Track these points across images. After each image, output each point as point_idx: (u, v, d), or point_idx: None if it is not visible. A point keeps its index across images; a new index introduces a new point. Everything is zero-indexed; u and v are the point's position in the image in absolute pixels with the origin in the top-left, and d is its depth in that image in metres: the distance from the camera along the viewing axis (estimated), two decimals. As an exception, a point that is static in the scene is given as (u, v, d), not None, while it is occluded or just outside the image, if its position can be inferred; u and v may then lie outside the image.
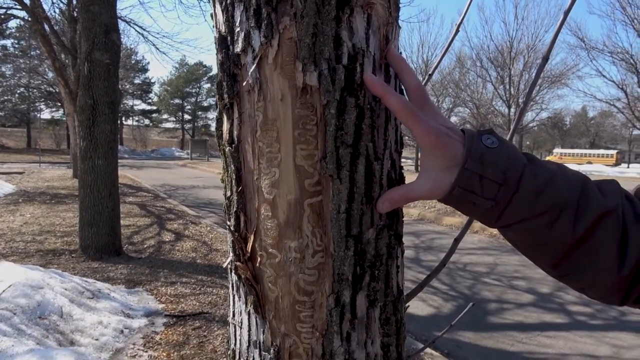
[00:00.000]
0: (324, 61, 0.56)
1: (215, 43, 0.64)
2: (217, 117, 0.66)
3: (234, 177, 0.62)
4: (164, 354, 3.21)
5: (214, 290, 4.58)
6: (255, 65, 0.58)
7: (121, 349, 3.25)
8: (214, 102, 51.84)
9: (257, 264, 0.61)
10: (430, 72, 0.84)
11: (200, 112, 54.19)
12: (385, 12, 0.62)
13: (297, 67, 0.56)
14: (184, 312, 3.99)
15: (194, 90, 52.44)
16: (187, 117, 53.90)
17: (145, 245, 6.57)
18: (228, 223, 0.65)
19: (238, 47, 0.59)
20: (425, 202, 11.68)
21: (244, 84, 0.60)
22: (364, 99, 0.58)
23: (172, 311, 4.00)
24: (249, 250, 0.61)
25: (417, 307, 4.50)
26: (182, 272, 5.25)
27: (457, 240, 0.72)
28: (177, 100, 52.13)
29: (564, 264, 0.51)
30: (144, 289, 4.59)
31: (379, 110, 0.60)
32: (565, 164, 0.55)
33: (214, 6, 0.64)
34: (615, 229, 0.48)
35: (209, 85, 52.80)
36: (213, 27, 0.67)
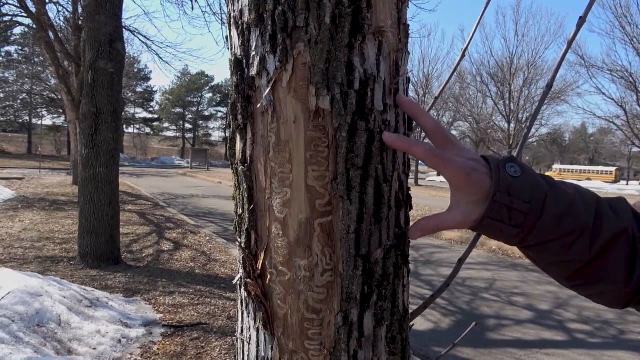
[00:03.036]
0: (336, 86, 0.58)
1: (230, 65, 0.66)
2: (230, 136, 0.68)
3: (246, 195, 0.64)
4: (161, 365, 3.20)
5: (212, 301, 4.57)
6: (269, 88, 0.60)
7: (118, 359, 3.23)
8: (215, 112, 51.75)
9: (267, 281, 0.62)
10: (436, 96, 0.87)
11: (201, 122, 54.38)
12: (396, 39, 0.64)
13: (310, 92, 0.58)
14: (182, 322, 3.98)
15: (195, 100, 52.66)
16: (188, 126, 54.06)
17: (144, 254, 6.55)
18: (239, 240, 0.66)
19: (253, 71, 0.62)
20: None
21: (258, 106, 0.62)
22: (374, 122, 0.60)
23: (170, 321, 3.99)
24: (259, 268, 0.63)
25: (415, 321, 4.48)
26: (181, 282, 5.23)
27: (461, 261, 0.73)
28: (178, 109, 52.33)
29: (577, 277, 0.56)
30: (142, 298, 4.57)
31: (389, 133, 0.62)
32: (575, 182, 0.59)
33: (230, 30, 0.67)
34: (625, 246, 0.52)
35: (210, 94, 53.07)
36: (228, 49, 0.69)
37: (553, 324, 4.86)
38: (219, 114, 54.06)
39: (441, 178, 37.76)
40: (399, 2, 0.65)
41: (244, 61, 0.63)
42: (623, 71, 17.58)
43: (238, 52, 0.64)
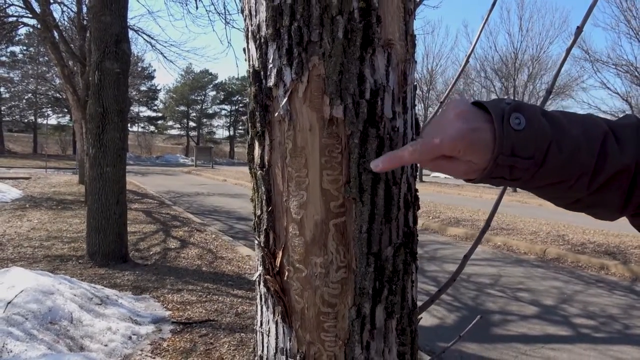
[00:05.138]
0: (349, 96, 0.63)
1: (248, 77, 0.71)
2: (248, 143, 0.72)
3: (264, 198, 0.69)
4: (172, 361, 3.26)
5: (220, 298, 4.63)
6: (286, 98, 0.64)
7: (129, 355, 3.30)
8: (219, 110, 51.71)
9: (285, 278, 0.67)
10: (442, 100, 0.91)
11: (205, 120, 54.45)
12: (403, 50, 0.69)
13: (324, 101, 0.63)
14: (190, 319, 4.04)
15: (199, 98, 52.74)
16: (192, 124, 54.16)
17: (151, 252, 6.62)
18: (258, 239, 0.71)
19: (270, 82, 0.66)
20: (430, 213, 11.71)
21: (276, 114, 0.66)
22: (384, 129, 0.65)
23: (179, 318, 4.05)
24: (278, 265, 0.68)
25: (421, 316, 4.52)
26: (188, 279, 5.30)
27: (466, 257, 0.77)
28: (182, 108, 52.42)
29: (574, 204, 0.57)
30: (151, 295, 4.64)
31: (397, 139, 0.66)
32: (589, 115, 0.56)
33: (248, 43, 0.71)
34: (625, 181, 0.53)
35: (214, 93, 53.13)
36: (245, 60, 0.74)
37: (558, 319, 4.89)
38: (223, 112, 54.19)
39: (445, 175, 37.44)
40: (406, 15, 0.69)
41: (262, 73, 0.67)
42: (628, 65, 17.49)
43: (256, 64, 0.68)
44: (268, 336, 0.71)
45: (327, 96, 0.62)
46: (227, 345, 3.54)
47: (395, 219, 0.66)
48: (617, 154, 0.52)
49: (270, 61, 0.66)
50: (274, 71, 0.65)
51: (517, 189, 22.47)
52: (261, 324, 0.73)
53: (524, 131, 0.50)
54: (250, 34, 0.70)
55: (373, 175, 0.64)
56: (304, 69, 0.63)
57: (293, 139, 0.65)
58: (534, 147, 0.51)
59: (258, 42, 0.67)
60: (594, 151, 0.52)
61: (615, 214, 0.56)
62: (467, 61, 0.88)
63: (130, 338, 3.54)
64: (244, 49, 0.73)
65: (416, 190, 0.72)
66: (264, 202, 0.69)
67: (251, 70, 0.69)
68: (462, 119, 0.52)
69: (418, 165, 0.76)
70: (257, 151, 0.70)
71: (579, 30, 0.71)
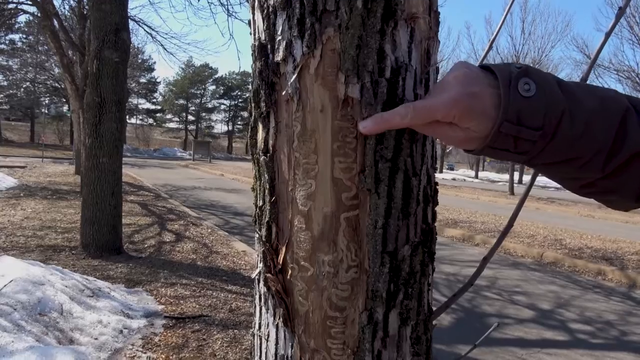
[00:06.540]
0: (367, 74, 0.55)
1: (252, 51, 0.63)
2: (251, 125, 0.65)
3: (267, 186, 0.61)
4: (163, 356, 3.18)
5: (214, 293, 4.56)
6: (295, 75, 0.57)
7: (120, 349, 3.22)
8: (218, 104, 51.75)
9: (288, 277, 0.60)
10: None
11: (204, 114, 54.30)
12: (427, 26, 0.62)
13: (339, 79, 0.55)
14: (183, 314, 3.97)
15: (199, 92, 52.58)
16: (190, 118, 54.00)
17: (146, 245, 6.54)
18: (259, 233, 0.64)
19: (278, 56, 0.59)
20: (427, 213, 11.64)
21: (283, 93, 0.59)
22: (405, 113, 0.58)
23: (172, 313, 3.98)
24: (280, 262, 0.60)
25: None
26: (182, 273, 5.22)
27: (485, 259, 0.71)
28: (181, 101, 52.26)
29: (589, 187, 0.52)
30: (144, 289, 4.56)
31: (419, 125, 0.59)
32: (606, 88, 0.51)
33: (254, 13, 0.64)
34: None
35: (214, 87, 53.00)
36: (250, 34, 0.66)
37: (555, 323, 4.84)
38: (222, 107, 54.07)
39: (446, 175, 37.37)
40: (430, -13, 0.62)
41: (269, 46, 0.60)
42: (630, 71, 17.49)
43: (262, 36, 0.61)
44: (267, 341, 0.64)
45: (342, 73, 0.55)
46: (220, 342, 3.47)
47: (414, 214, 0.59)
48: (635, 134, 0.46)
49: (279, 33, 0.58)
50: (283, 44, 0.58)
51: (515, 192, 22.43)
52: (259, 327, 0.65)
53: (533, 98, 0.45)
54: (256, 2, 0.62)
55: (391, 165, 0.56)
56: (316, 41, 0.56)
57: (302, 121, 0.57)
58: (543, 116, 0.45)
59: (265, 11, 0.60)
60: (612, 127, 0.46)
61: (632, 202, 0.50)
62: (490, 48, 0.81)
63: (121, 332, 3.46)
64: (249, 22, 0.66)
65: (436, 184, 0.65)
66: (266, 191, 0.62)
67: (256, 44, 0.62)
68: (461, 82, 0.47)
69: (437, 156, 0.69)
70: (260, 134, 0.63)
71: (622, 11, 0.64)
